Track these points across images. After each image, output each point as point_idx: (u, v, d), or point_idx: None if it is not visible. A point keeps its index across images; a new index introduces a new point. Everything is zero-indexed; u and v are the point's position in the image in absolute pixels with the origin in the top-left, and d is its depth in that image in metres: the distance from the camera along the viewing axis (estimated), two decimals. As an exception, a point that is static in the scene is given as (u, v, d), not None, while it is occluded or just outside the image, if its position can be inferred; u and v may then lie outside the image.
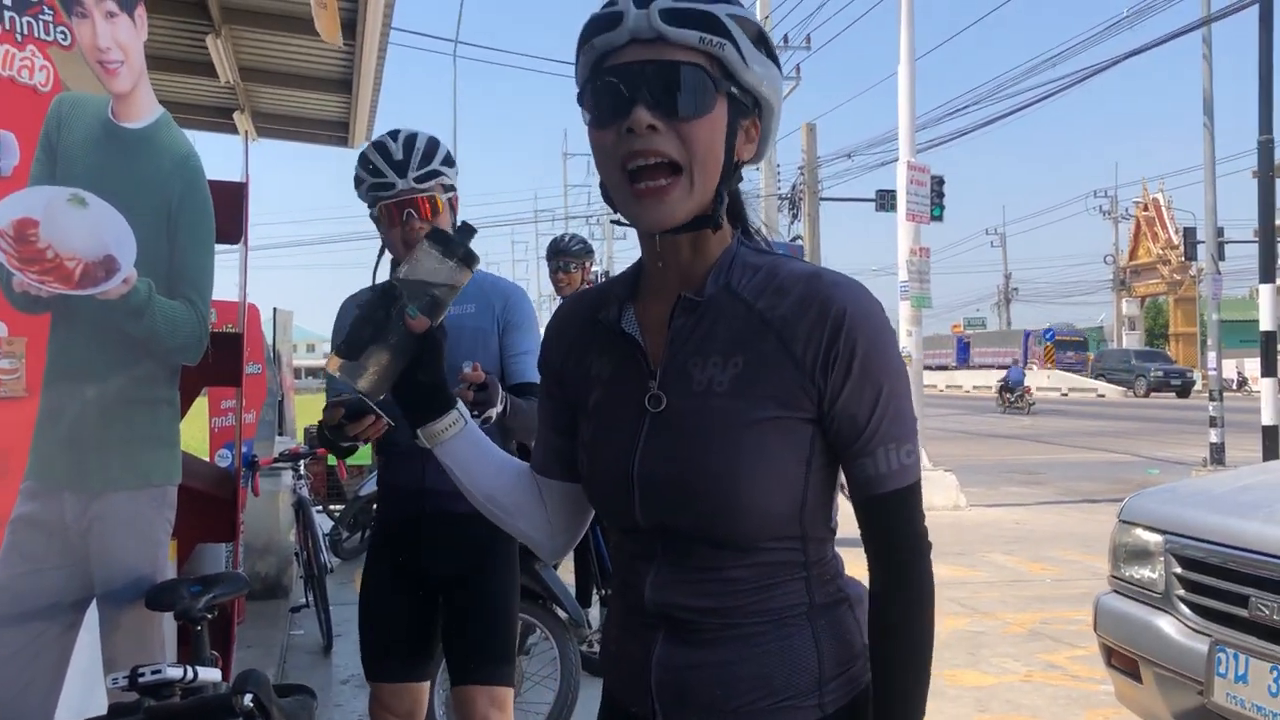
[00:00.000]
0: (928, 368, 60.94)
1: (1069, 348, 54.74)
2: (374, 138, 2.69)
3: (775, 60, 1.35)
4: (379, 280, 2.73)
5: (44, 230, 2.14)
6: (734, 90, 1.30)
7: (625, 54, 1.28)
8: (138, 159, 2.36)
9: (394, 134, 2.69)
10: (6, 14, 2.11)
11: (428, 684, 2.89)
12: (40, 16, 2.17)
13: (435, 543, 2.73)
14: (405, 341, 1.41)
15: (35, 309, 2.16)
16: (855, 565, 1.36)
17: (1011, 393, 32.16)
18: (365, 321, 1.40)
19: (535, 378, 2.62)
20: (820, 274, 1.34)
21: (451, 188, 2.73)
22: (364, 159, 2.66)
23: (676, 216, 1.30)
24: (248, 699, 1.38)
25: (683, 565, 1.36)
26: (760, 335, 1.32)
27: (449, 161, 2.71)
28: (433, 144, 2.69)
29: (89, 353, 2.26)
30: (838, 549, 1.41)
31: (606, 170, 1.31)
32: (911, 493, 1.33)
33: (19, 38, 2.13)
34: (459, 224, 1.54)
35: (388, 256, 2.73)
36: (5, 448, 2.10)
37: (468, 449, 1.52)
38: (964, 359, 62.55)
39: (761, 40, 1.32)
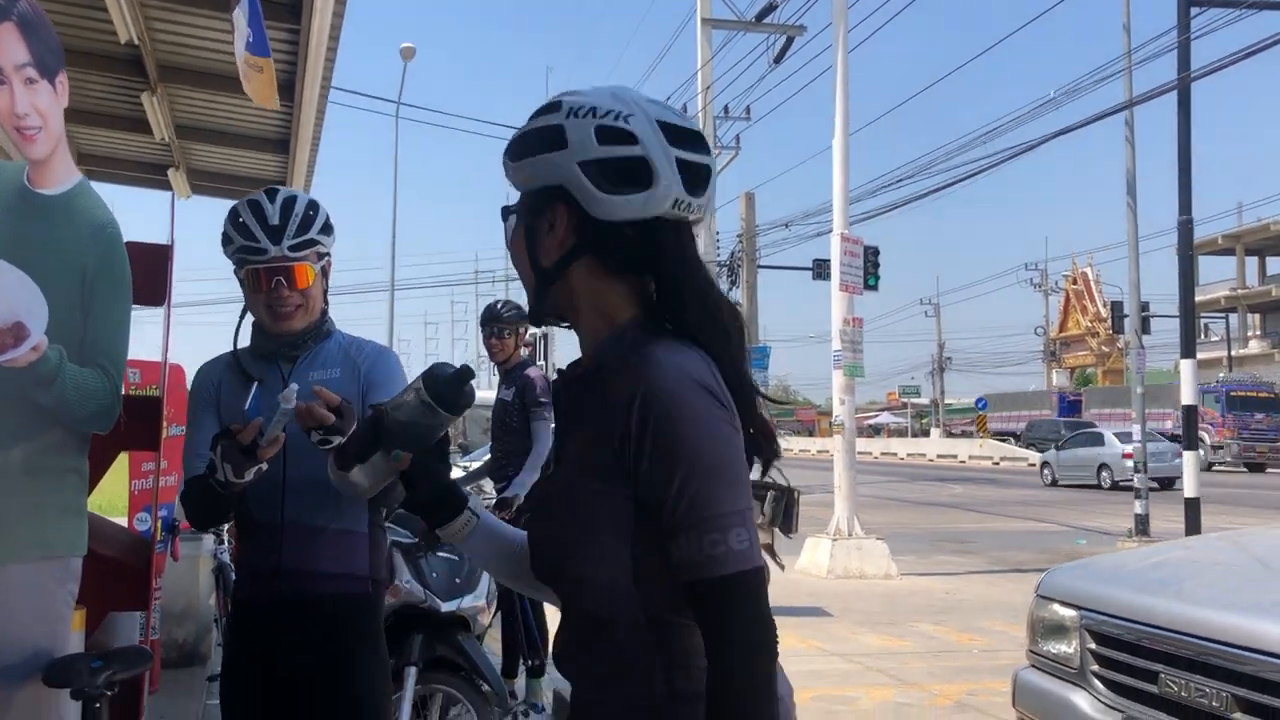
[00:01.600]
0: (1013, 435, 49.58)
1: (1254, 407, 37.19)
2: (250, 196, 2.58)
3: (544, 144, 1.42)
4: (241, 344, 2.65)
5: (-49, 297, 2.11)
6: (514, 205, 1.49)
7: None
8: (53, 226, 2.33)
9: (271, 193, 2.57)
10: (-79, 79, 2.10)
11: None
12: (-44, 82, 2.16)
13: (293, 629, 2.54)
14: (386, 464, 1.57)
15: (-61, 376, 2.12)
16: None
17: None
18: (352, 443, 1.60)
19: None
20: (647, 355, 1.36)
21: (326, 255, 2.62)
22: (235, 217, 2.53)
23: (530, 309, 1.54)
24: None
25: (568, 629, 1.47)
26: (600, 412, 1.38)
27: (328, 229, 2.60)
28: (312, 210, 2.58)
29: None
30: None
31: None
32: (722, 587, 1.29)
33: (-67, 103, 2.12)
34: (461, 366, 1.63)
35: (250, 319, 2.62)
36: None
37: (485, 542, 1.62)
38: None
39: (521, 147, 1.45)
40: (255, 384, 2.44)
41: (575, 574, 1.39)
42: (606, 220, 1.39)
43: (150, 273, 3.21)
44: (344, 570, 2.59)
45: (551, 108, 1.43)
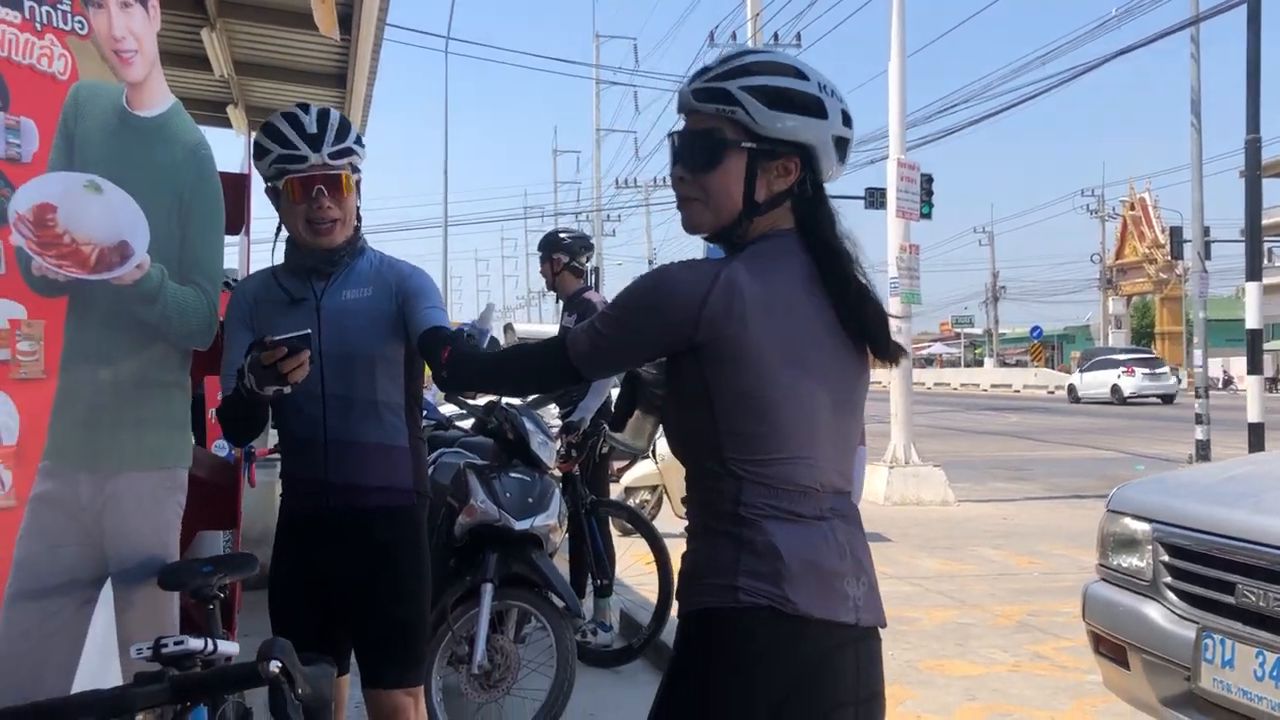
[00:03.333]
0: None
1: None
2: (282, 110, 2.61)
3: (808, 109, 1.69)
4: (277, 260, 2.70)
5: (61, 216, 2.18)
6: (751, 144, 1.68)
7: (683, 122, 1.77)
8: (151, 147, 2.39)
9: (304, 107, 2.58)
10: (26, 4, 2.15)
11: (346, 676, 2.80)
12: (59, 6, 2.21)
13: (340, 541, 2.64)
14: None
15: (53, 293, 2.20)
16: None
17: None
18: (621, 407, 1.89)
19: (446, 323, 2.66)
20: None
21: (359, 169, 2.64)
22: (271, 129, 2.54)
23: (698, 227, 1.76)
24: (273, 666, 1.42)
25: None
26: None
27: (360, 142, 2.62)
28: (346, 122, 2.60)
29: (103, 336, 2.29)
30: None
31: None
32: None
33: (38, 27, 2.17)
34: None
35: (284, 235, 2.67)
36: (26, 428, 2.14)
37: None
38: None
39: (781, 98, 1.67)
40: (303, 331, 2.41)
41: (669, 431, 1.79)
42: (824, 181, 1.75)
43: (229, 201, 3.28)
44: (388, 483, 2.67)
45: (797, 73, 1.70)
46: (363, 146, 2.63)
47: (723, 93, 1.68)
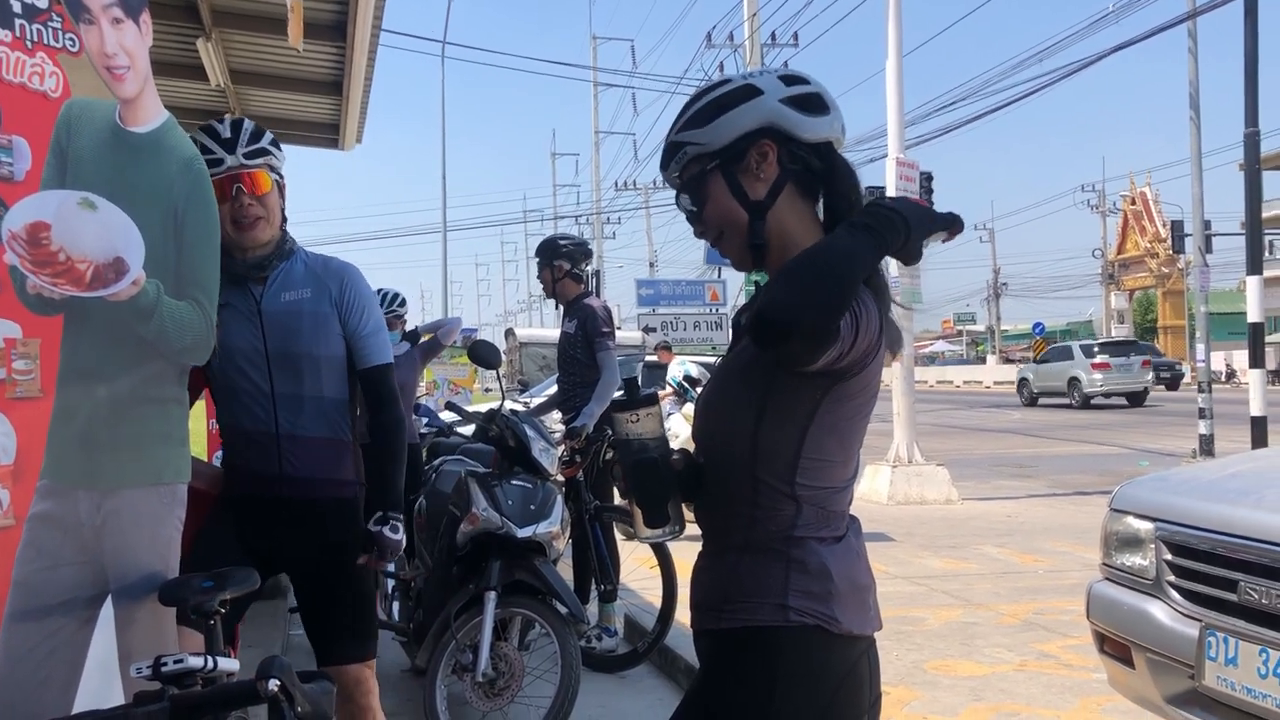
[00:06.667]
0: None
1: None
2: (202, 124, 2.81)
3: (740, 99, 1.70)
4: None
5: (56, 233, 2.17)
6: (717, 161, 1.72)
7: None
8: (144, 162, 2.38)
9: (220, 118, 2.79)
10: (17, 21, 2.14)
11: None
12: (49, 24, 2.20)
13: (291, 528, 2.83)
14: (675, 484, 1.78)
15: (48, 311, 2.18)
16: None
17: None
18: (643, 495, 1.74)
19: (386, 359, 2.91)
20: None
21: (279, 172, 2.82)
22: (193, 140, 2.69)
23: (736, 255, 1.78)
24: (272, 684, 1.42)
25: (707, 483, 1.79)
26: None
27: (277, 145, 2.81)
28: (260, 128, 2.79)
29: (100, 353, 2.28)
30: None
31: None
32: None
33: (29, 45, 2.16)
34: (623, 381, 1.87)
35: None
36: (23, 447, 2.13)
37: None
38: None
39: (713, 109, 1.71)
40: None
41: (717, 439, 1.74)
42: (812, 141, 1.71)
43: (225, 213, 3.29)
44: (336, 476, 2.88)
45: (721, 82, 1.75)
46: (279, 150, 2.81)
47: (672, 147, 1.77)
